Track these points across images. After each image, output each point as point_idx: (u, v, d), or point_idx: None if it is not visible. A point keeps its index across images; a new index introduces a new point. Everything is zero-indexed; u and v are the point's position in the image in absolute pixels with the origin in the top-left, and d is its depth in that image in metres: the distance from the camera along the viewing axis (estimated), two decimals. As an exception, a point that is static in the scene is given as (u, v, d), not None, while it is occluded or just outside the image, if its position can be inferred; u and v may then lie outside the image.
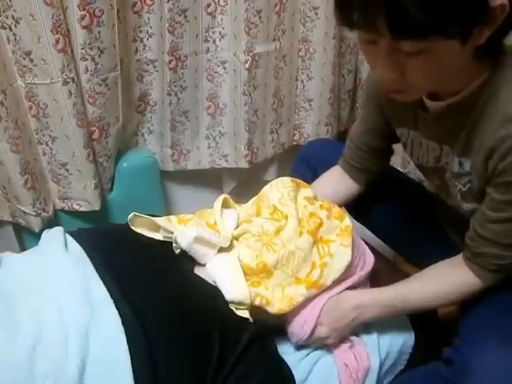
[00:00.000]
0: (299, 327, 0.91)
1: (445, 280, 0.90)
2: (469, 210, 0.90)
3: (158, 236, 0.93)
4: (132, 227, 0.94)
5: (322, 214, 0.94)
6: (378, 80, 0.76)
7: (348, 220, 0.96)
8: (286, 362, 0.89)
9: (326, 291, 0.92)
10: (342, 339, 0.95)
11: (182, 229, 0.91)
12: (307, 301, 0.90)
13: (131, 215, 0.93)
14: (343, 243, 0.92)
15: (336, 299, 0.92)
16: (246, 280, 0.87)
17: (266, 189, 0.98)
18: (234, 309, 0.85)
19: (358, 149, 1.11)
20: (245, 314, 0.85)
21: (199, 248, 0.88)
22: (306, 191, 0.99)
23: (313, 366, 0.93)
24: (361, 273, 0.96)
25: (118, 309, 0.76)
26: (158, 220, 0.93)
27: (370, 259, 0.99)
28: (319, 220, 0.92)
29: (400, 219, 1.19)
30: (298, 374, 0.89)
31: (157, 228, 0.94)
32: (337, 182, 1.16)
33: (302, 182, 1.01)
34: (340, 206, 1.08)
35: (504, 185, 0.78)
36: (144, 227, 0.94)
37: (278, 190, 0.95)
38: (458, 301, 0.91)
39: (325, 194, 1.05)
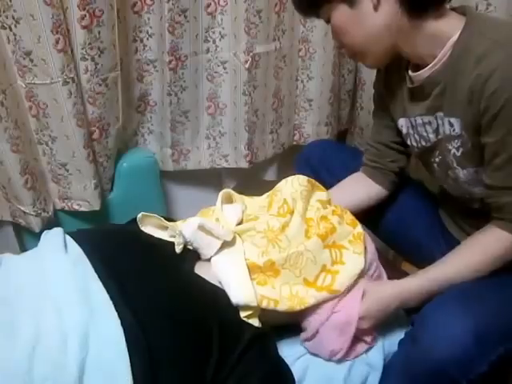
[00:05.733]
0: (336, 340, 0.90)
1: (477, 248, 0.90)
2: (466, 178, 0.92)
3: (165, 235, 0.94)
4: (142, 227, 0.95)
5: (334, 220, 0.94)
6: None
7: (360, 227, 0.97)
8: (285, 362, 0.89)
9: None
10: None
11: None
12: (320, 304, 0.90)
13: (140, 215, 0.95)
14: (356, 250, 0.93)
15: (377, 292, 0.91)
16: (253, 279, 0.87)
17: (281, 183, 0.99)
18: (246, 318, 0.85)
19: (374, 148, 1.15)
20: (255, 322, 0.86)
21: (203, 237, 0.89)
22: (321, 194, 1.00)
23: (309, 363, 0.93)
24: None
25: (117, 310, 0.76)
26: (164, 221, 0.95)
27: (384, 275, 1.00)
28: (331, 225, 0.93)
29: (400, 219, 1.19)
30: (295, 371, 0.89)
31: (164, 227, 0.95)
32: (359, 185, 1.17)
33: (318, 184, 1.02)
34: (364, 210, 1.10)
35: (491, 122, 0.81)
36: (152, 226, 0.96)
37: (293, 185, 0.96)
38: (500, 265, 0.88)
39: (348, 197, 1.07)
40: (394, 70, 1.01)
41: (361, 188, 1.16)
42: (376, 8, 0.86)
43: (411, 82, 0.96)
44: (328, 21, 0.93)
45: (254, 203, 1.00)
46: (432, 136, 0.97)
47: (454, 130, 0.90)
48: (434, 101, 0.92)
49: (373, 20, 0.87)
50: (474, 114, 0.84)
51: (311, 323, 0.91)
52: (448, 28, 0.86)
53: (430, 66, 0.89)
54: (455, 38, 0.85)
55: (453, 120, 0.89)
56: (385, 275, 1.01)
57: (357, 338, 0.92)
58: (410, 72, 0.96)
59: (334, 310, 0.90)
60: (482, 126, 0.83)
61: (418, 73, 0.92)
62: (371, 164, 1.15)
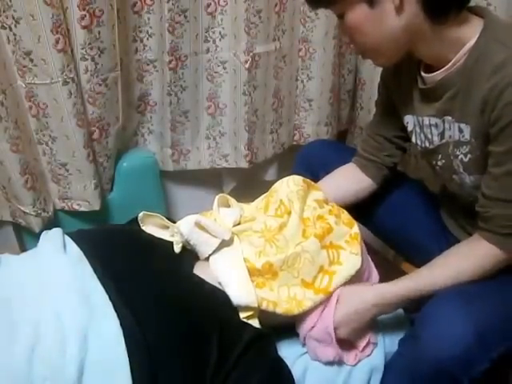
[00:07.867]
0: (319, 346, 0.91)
1: (463, 257, 0.89)
2: (473, 184, 0.92)
3: (166, 235, 0.95)
4: (143, 226, 0.96)
5: (331, 220, 0.94)
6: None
7: (357, 227, 0.97)
8: (285, 362, 0.89)
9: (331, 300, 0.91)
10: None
11: None
12: (317, 306, 0.90)
13: (141, 214, 0.95)
14: (353, 251, 0.93)
15: (352, 300, 0.90)
16: (252, 281, 0.87)
17: (276, 184, 0.99)
18: (245, 319, 0.85)
19: (372, 139, 1.14)
20: (255, 323, 0.86)
21: (200, 234, 0.89)
22: (317, 194, 1.00)
23: (309, 363, 0.93)
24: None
25: (116, 310, 0.76)
26: (165, 220, 0.96)
27: (375, 275, 1.00)
28: (328, 225, 0.92)
29: (401, 219, 1.19)
30: (295, 371, 0.89)
31: (165, 227, 0.96)
32: (349, 176, 1.16)
33: (313, 183, 1.02)
34: (352, 202, 1.10)
35: (500, 133, 0.81)
36: (153, 225, 0.96)
37: (288, 186, 0.96)
38: (483, 276, 0.87)
39: (336, 188, 1.06)
40: (405, 66, 1.00)
41: (349, 181, 1.15)
42: (398, 10, 0.83)
43: (423, 82, 0.95)
44: (340, 16, 0.89)
45: (251, 207, 1.01)
46: (436, 139, 0.96)
47: (463, 136, 0.89)
48: (445, 104, 0.91)
49: (392, 21, 0.84)
50: (484, 123, 0.83)
51: (300, 331, 0.93)
52: (467, 32, 0.85)
53: (445, 68, 0.88)
54: (472, 42, 0.84)
55: (463, 126, 0.88)
56: (374, 271, 1.00)
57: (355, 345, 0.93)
58: (422, 73, 0.94)
59: (316, 321, 0.90)
60: (490, 135, 0.83)
61: (432, 74, 0.91)
62: (366, 156, 1.14)
